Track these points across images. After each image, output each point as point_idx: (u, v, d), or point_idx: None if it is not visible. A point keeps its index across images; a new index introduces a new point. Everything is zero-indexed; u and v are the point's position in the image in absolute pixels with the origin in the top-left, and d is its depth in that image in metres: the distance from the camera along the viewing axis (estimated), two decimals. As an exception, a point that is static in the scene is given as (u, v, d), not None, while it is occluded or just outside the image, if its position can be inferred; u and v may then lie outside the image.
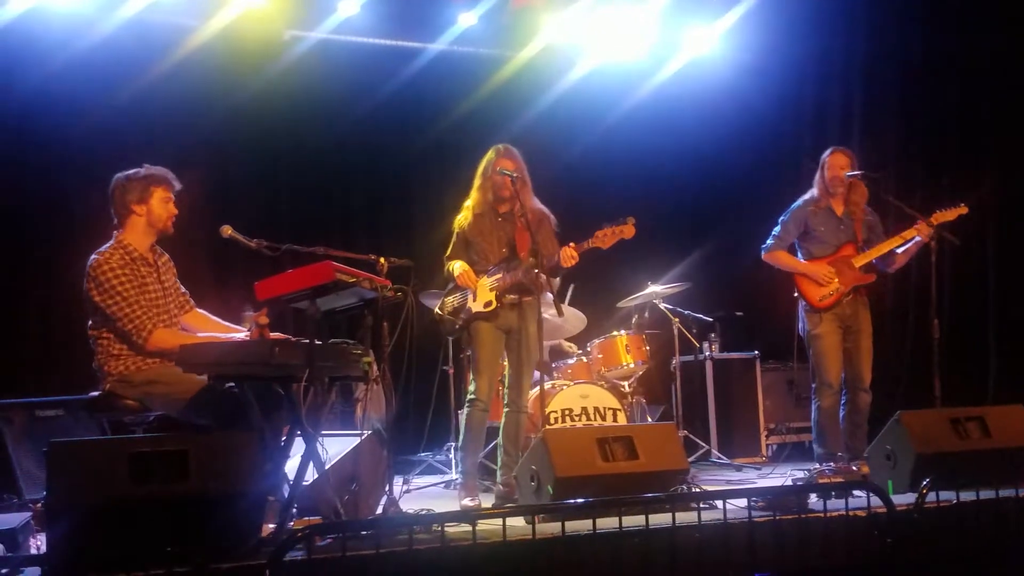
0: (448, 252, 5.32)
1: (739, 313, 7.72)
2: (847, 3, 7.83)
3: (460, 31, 7.60)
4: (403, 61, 7.56)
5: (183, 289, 4.43)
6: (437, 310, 5.37)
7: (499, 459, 5.20)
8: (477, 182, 5.29)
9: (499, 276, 5.12)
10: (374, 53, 7.47)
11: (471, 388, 5.16)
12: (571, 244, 4.99)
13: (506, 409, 5.19)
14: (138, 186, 4.19)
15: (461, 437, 5.24)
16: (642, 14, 7.89)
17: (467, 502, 5.01)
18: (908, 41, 7.52)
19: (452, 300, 5.27)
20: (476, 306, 5.15)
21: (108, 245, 4.17)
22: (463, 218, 5.31)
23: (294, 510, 3.90)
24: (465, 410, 5.19)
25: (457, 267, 5.17)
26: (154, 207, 4.21)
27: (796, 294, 5.73)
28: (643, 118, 8.11)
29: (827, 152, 5.79)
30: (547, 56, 7.88)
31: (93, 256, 4.12)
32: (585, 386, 6.11)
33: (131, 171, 4.24)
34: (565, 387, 6.07)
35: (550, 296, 5.34)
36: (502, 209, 5.24)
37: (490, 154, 5.25)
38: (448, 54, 7.66)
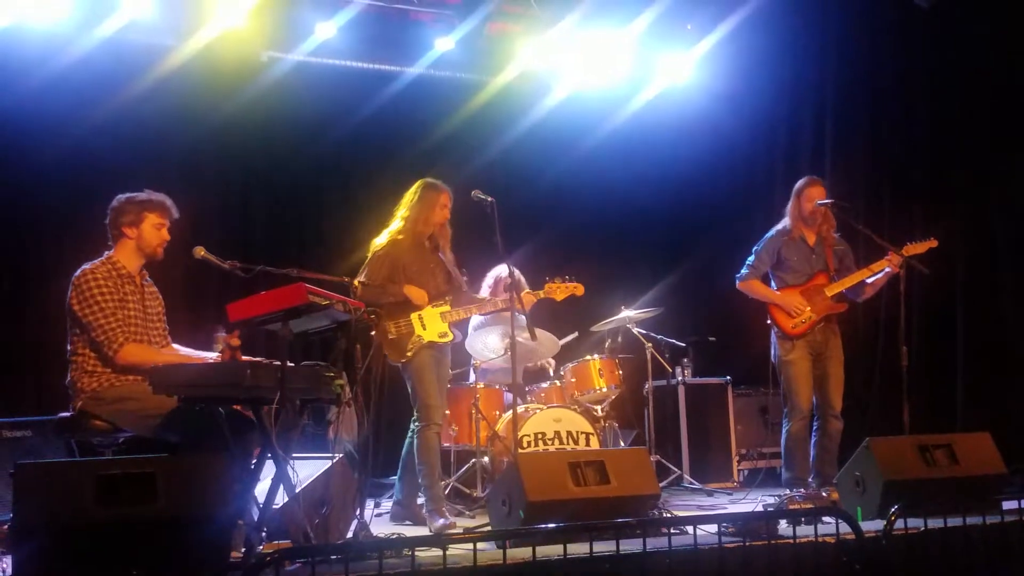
0: (366, 275, 5.27)
1: (712, 338, 7.75)
2: (819, 33, 7.94)
3: (437, 55, 7.63)
4: (380, 84, 7.58)
5: (165, 324, 4.43)
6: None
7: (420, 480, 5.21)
8: (408, 213, 5.34)
9: (450, 309, 5.28)
10: (351, 76, 7.49)
11: (421, 415, 5.18)
12: (527, 292, 5.55)
13: (421, 425, 5.20)
14: (133, 209, 4.25)
15: (424, 466, 5.15)
16: (618, 41, 7.97)
17: (440, 523, 5.00)
18: (879, 70, 7.63)
19: (395, 325, 5.24)
20: (429, 335, 5.24)
21: (97, 260, 4.22)
22: (396, 243, 5.32)
23: (263, 533, 3.88)
24: (419, 438, 5.16)
25: (414, 292, 5.22)
26: (145, 232, 4.25)
27: (769, 321, 5.78)
28: (619, 144, 8.19)
29: (801, 182, 5.84)
30: (523, 81, 7.93)
31: (80, 268, 4.16)
32: (558, 410, 6.11)
33: (131, 194, 4.29)
34: (538, 411, 6.07)
35: (523, 319, 5.40)
36: (430, 245, 5.39)
37: (426, 189, 5.33)
38: (425, 78, 7.69)
